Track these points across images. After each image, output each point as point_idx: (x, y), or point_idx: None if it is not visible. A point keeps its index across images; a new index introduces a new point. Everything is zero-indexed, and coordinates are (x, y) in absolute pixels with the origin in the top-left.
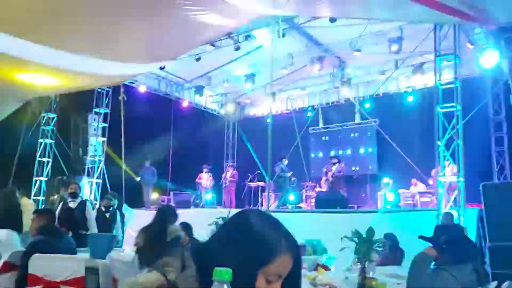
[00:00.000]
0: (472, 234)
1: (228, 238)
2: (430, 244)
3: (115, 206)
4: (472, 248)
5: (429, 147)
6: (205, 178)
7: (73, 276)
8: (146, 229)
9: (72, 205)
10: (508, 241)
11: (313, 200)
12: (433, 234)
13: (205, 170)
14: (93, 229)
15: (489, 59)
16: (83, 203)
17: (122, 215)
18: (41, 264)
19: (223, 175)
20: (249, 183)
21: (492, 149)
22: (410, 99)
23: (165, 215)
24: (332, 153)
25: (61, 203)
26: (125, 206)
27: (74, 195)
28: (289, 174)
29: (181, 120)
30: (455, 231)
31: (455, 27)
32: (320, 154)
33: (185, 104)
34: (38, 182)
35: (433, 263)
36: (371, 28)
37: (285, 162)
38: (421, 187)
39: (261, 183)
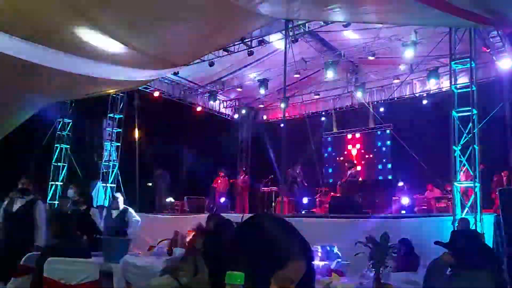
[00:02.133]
0: (489, 241)
1: (241, 243)
2: (446, 250)
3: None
4: (489, 255)
5: (444, 152)
6: (221, 183)
7: (87, 280)
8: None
9: (20, 203)
10: None
11: (327, 205)
12: (449, 240)
13: (221, 174)
14: (40, 231)
15: (505, 62)
16: (31, 202)
17: (125, 221)
18: (56, 268)
19: (237, 180)
20: (263, 188)
21: (510, 154)
22: (425, 103)
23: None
24: (347, 158)
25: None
26: (129, 210)
27: (23, 192)
28: (299, 179)
29: (195, 125)
30: (472, 237)
31: (470, 31)
32: (334, 159)
33: (198, 109)
34: (54, 187)
35: (449, 269)
36: (385, 32)
37: (297, 167)
38: (436, 192)
39: (274, 188)
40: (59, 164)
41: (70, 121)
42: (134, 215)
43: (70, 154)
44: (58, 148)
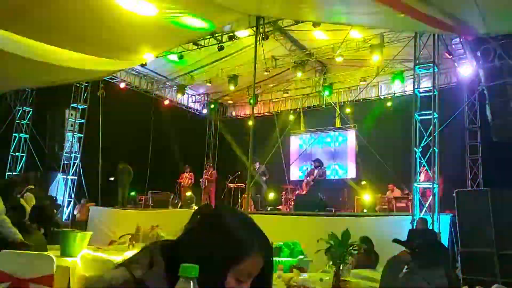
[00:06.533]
0: (445, 240)
1: (199, 236)
2: (404, 248)
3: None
4: (444, 253)
5: (406, 153)
6: (186, 178)
7: (42, 274)
8: None
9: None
10: (479, 247)
11: (292, 202)
12: (406, 238)
13: (187, 170)
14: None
15: (466, 69)
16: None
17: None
18: (10, 261)
19: (203, 176)
20: (229, 184)
21: (466, 157)
22: (389, 105)
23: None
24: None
25: None
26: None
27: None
28: (256, 177)
29: (162, 118)
30: (428, 235)
31: (434, 37)
32: (301, 157)
33: (166, 102)
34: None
35: (406, 266)
36: (353, 35)
37: (256, 164)
38: (397, 192)
39: (241, 184)
40: (17, 154)
41: (30, 109)
42: None
43: (30, 144)
44: (17, 137)
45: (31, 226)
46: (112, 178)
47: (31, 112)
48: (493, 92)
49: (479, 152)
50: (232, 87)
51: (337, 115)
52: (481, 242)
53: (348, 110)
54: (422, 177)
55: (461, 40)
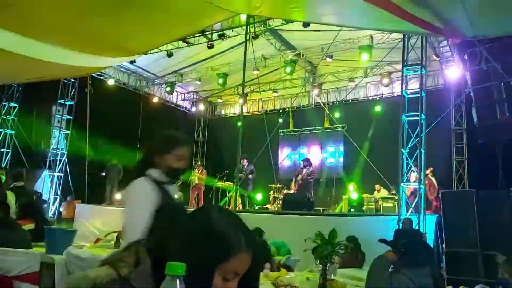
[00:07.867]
0: (430, 240)
1: (186, 234)
2: (390, 248)
3: None
4: (430, 253)
5: (393, 154)
6: None
7: (27, 271)
8: None
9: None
10: (464, 247)
11: (280, 201)
12: (392, 238)
13: None
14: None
15: (453, 71)
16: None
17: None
18: None
19: (194, 174)
20: (217, 183)
21: (453, 159)
22: (377, 106)
23: None
24: (301, 156)
25: None
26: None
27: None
28: (242, 176)
29: (150, 116)
30: (414, 236)
31: (422, 39)
32: (289, 157)
33: (155, 100)
34: None
35: (391, 266)
36: (343, 35)
37: (244, 161)
38: (384, 192)
39: (229, 183)
40: (2, 150)
41: (17, 105)
42: None
43: (15, 140)
44: (2, 133)
45: (16, 222)
46: (103, 174)
47: (17, 107)
48: (479, 94)
49: (465, 154)
50: (221, 86)
51: (325, 115)
52: (466, 243)
53: (336, 110)
54: (413, 177)
55: (449, 43)
